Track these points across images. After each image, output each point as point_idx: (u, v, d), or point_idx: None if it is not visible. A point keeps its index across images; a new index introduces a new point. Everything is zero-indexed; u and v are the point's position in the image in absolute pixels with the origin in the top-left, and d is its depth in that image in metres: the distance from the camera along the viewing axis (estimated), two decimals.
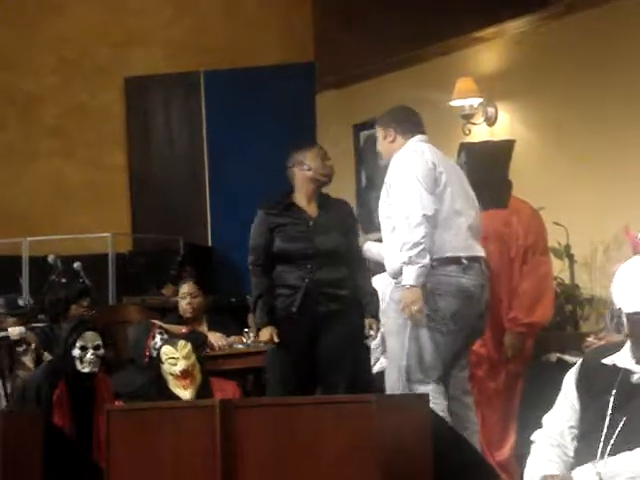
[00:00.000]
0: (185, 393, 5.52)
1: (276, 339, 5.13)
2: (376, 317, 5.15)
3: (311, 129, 10.04)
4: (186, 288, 6.82)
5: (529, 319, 5.14)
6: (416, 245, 4.43)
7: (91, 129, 10.54)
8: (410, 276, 4.44)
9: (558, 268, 7.20)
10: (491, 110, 8.43)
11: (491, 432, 5.11)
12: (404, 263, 4.45)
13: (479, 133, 8.34)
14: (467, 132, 8.41)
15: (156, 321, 6.60)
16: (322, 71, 9.90)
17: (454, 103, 8.40)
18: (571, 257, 7.30)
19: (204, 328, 6.75)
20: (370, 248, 5.10)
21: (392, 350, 4.59)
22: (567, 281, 7.34)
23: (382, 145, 4.81)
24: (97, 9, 10.58)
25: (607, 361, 3.16)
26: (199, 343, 5.96)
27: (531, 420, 4.51)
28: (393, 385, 4.55)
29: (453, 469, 3.68)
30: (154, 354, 6.35)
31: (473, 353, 4.97)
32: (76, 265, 7.66)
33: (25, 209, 10.18)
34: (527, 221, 5.23)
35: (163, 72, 10.57)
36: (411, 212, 4.46)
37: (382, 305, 5.02)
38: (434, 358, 4.50)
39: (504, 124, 8.42)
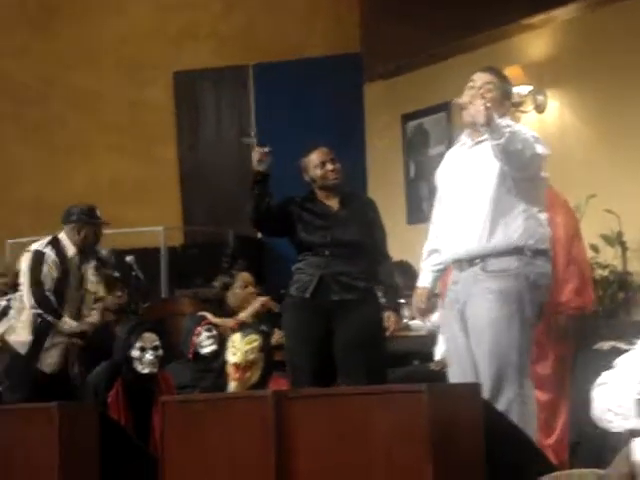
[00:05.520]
0: (230, 385, 5.54)
1: None
2: (395, 310, 5.21)
3: (359, 120, 10.04)
4: (247, 277, 6.76)
5: (579, 301, 5.23)
6: None
7: (142, 124, 10.65)
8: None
9: (610, 255, 7.16)
10: (540, 98, 8.38)
11: (540, 416, 5.11)
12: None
13: (528, 121, 8.29)
14: (516, 120, 8.37)
15: (207, 314, 6.63)
16: (369, 62, 9.90)
17: None
18: (623, 244, 7.26)
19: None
20: None
21: (496, 344, 4.28)
22: (619, 268, 7.30)
23: None
24: (150, 6, 10.70)
25: None
26: (267, 339, 5.85)
27: (583, 408, 4.49)
28: (493, 379, 4.28)
29: (505, 458, 3.68)
30: (200, 350, 6.42)
31: None
32: (129, 259, 7.73)
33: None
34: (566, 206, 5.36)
35: (212, 66, 10.64)
36: None
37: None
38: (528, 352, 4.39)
39: (554, 112, 8.36)
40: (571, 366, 5.32)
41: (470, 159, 4.44)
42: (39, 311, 5.95)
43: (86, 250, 6.15)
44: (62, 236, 6.13)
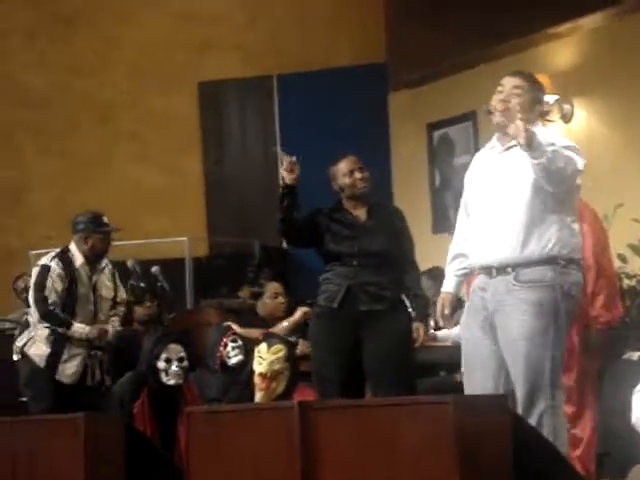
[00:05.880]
0: (257, 395, 5.53)
1: None
2: (423, 321, 5.22)
3: (384, 129, 10.03)
4: (277, 287, 6.72)
5: (608, 316, 5.17)
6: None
7: (166, 134, 10.67)
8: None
9: (638, 265, 7.10)
10: (567, 107, 8.34)
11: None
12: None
13: (555, 130, 8.25)
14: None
15: (233, 325, 6.61)
16: (394, 71, 9.89)
17: None
18: None
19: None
20: None
21: (529, 355, 4.22)
22: None
23: None
24: (171, 15, 10.73)
25: None
26: (293, 348, 5.82)
27: (612, 417, 4.45)
28: (527, 390, 4.25)
29: (533, 469, 3.65)
30: (227, 361, 6.41)
31: None
32: (154, 269, 7.73)
33: None
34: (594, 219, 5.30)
35: (237, 77, 10.66)
36: None
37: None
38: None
39: (580, 121, 8.32)
40: (595, 378, 5.27)
41: (501, 165, 4.37)
42: (47, 325, 5.97)
43: (95, 259, 6.12)
44: (72, 246, 6.13)
